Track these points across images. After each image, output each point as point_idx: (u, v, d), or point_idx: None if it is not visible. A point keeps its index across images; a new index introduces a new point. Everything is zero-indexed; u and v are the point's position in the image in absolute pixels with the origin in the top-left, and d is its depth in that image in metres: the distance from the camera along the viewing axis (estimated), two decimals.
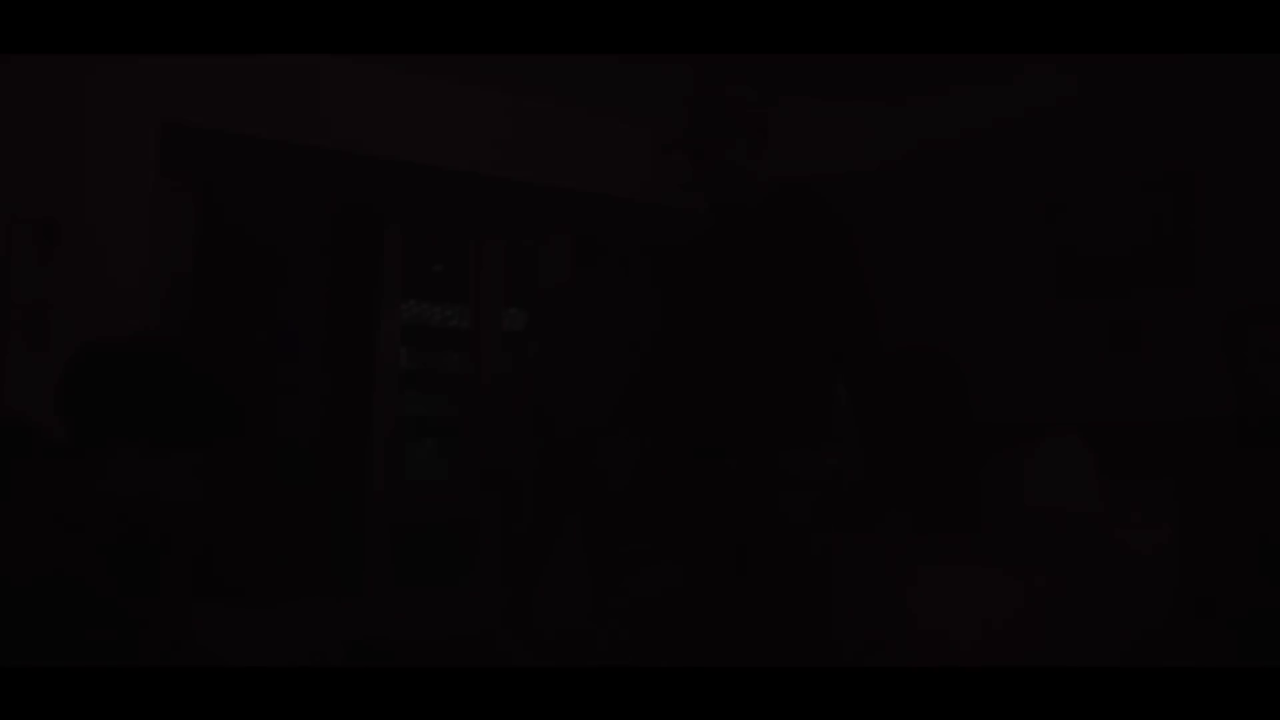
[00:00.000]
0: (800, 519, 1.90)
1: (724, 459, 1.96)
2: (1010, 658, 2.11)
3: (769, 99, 2.03)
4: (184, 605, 1.69)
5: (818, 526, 1.90)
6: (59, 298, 3.05)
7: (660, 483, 2.18)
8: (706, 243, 2.11)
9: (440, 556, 5.91)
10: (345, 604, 4.07)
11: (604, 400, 3.85)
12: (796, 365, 1.93)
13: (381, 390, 4.47)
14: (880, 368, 1.96)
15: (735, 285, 2.02)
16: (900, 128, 4.14)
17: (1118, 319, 3.77)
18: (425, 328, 7.41)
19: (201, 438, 1.55)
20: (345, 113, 3.74)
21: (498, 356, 4.82)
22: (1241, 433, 2.05)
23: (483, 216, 4.69)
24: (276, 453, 3.29)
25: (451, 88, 3.94)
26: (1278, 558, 1.98)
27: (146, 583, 1.57)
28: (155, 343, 1.57)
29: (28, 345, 2.95)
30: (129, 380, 1.50)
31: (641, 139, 4.44)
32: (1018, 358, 4.10)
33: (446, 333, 6.08)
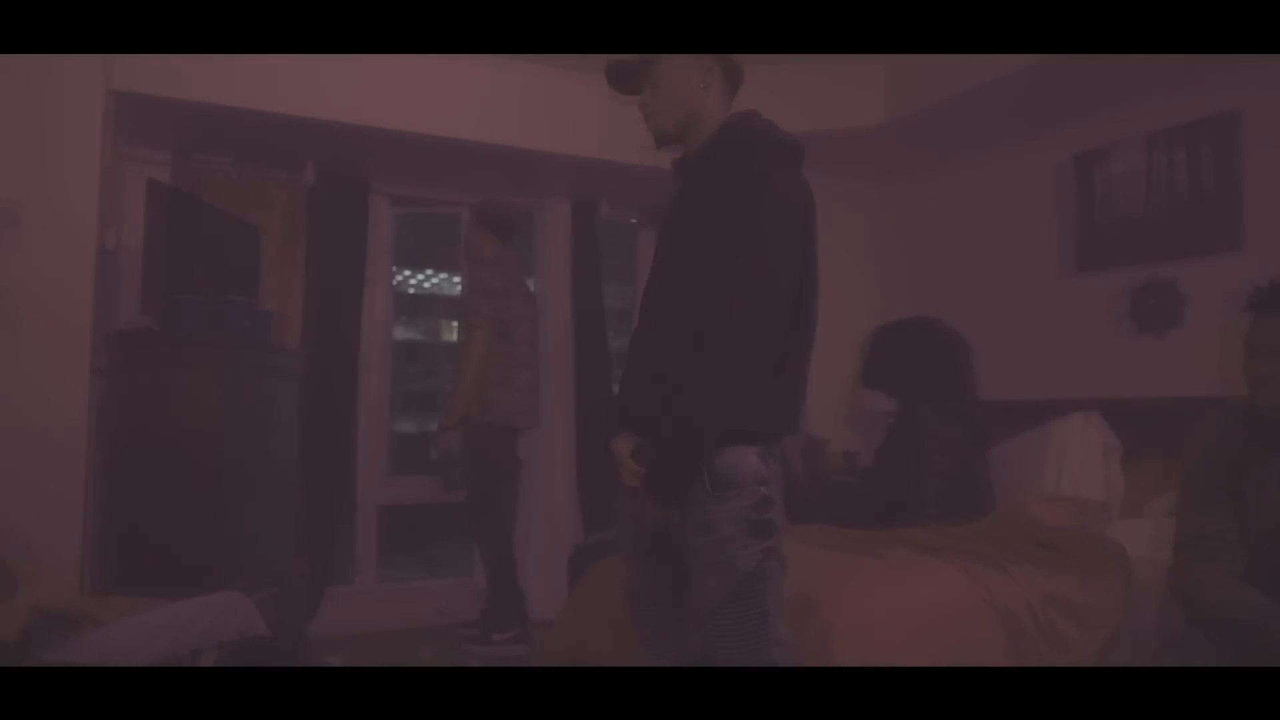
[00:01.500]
0: (731, 529, 1.64)
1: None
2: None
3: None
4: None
5: (753, 530, 1.65)
6: (7, 280, 3.04)
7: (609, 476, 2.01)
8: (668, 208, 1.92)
9: (434, 544, 5.90)
10: (316, 593, 4.04)
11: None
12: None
13: (369, 367, 4.43)
14: (744, 333, 1.60)
15: (665, 252, 1.80)
16: (910, 80, 3.88)
17: (1151, 288, 3.48)
18: (429, 300, 7.37)
19: None
20: (321, 80, 3.64)
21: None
22: None
23: (475, 185, 4.58)
24: (246, 440, 3.24)
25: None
26: None
27: None
28: None
29: None
30: None
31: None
32: (1035, 330, 3.84)
33: (442, 304, 5.99)
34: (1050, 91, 3.56)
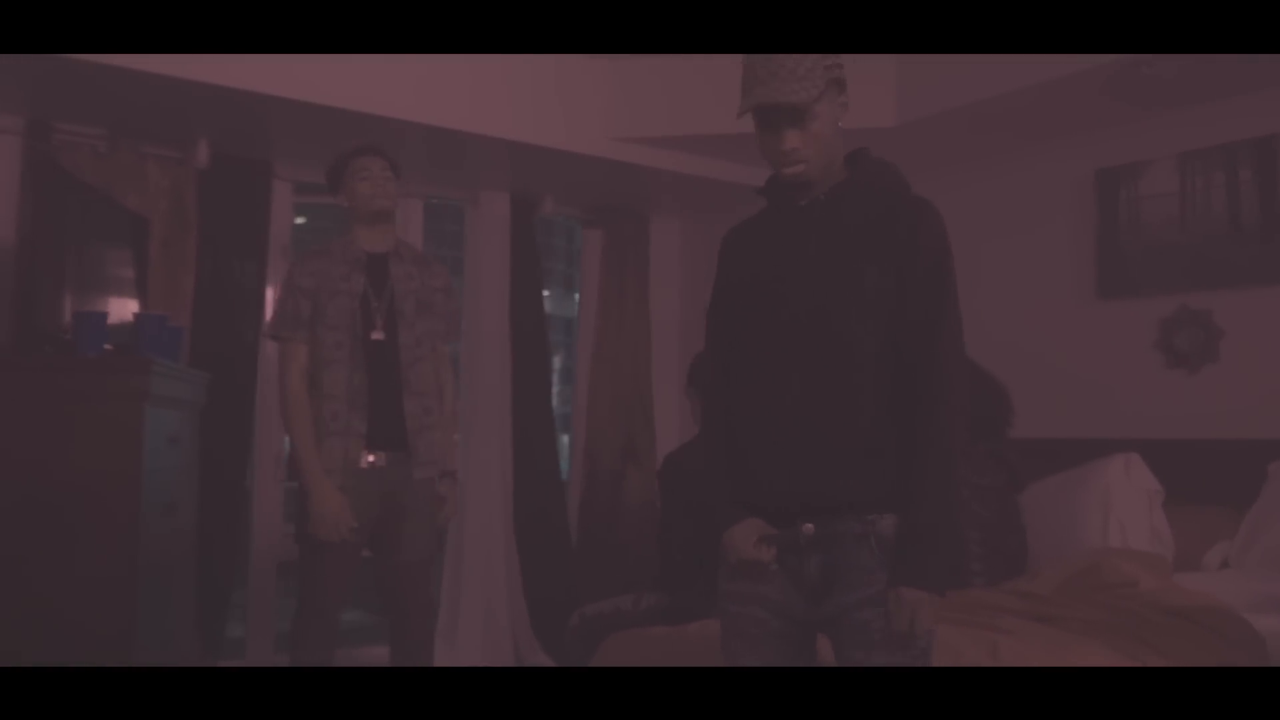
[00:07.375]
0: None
1: (796, 523, 1.78)
2: None
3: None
4: None
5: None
6: None
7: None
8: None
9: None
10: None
11: None
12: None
13: (265, 391, 4.13)
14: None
15: (806, 297, 1.82)
16: (925, 82, 3.98)
17: (1182, 319, 3.70)
18: None
19: None
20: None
21: None
22: None
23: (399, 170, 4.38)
24: (156, 488, 2.96)
25: None
26: None
27: None
28: None
29: None
30: None
31: (595, 80, 4.21)
32: (1051, 360, 4.01)
33: None
34: (1072, 103, 3.71)
